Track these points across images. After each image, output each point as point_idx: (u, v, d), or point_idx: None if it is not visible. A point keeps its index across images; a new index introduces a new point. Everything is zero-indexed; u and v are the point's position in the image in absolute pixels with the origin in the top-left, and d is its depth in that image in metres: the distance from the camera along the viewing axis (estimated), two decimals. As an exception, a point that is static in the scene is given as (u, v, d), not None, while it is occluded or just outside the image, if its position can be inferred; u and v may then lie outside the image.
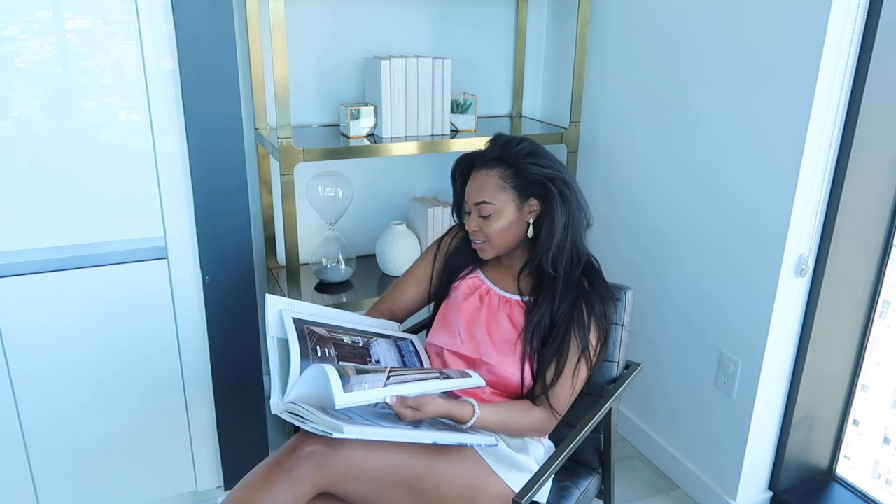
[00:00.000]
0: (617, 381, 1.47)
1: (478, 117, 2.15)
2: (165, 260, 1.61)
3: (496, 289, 1.43)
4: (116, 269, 1.57)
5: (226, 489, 1.89)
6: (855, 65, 1.51)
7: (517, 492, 1.23)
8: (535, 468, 1.32)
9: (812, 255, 1.66)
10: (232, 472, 1.86)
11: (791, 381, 1.79)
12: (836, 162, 1.59)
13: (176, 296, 1.64)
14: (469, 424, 1.24)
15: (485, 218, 1.36)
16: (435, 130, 2.01)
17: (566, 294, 1.35)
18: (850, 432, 1.92)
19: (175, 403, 1.74)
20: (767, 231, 1.65)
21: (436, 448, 1.24)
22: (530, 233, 1.37)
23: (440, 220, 2.15)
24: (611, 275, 1.48)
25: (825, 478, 1.95)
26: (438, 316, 1.49)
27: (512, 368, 1.35)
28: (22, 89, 1.40)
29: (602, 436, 1.49)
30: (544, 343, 1.34)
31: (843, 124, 1.55)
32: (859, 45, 1.49)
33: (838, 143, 1.57)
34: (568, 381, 1.32)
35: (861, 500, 1.86)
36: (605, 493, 1.54)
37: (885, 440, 2.52)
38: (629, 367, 1.52)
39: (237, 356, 1.75)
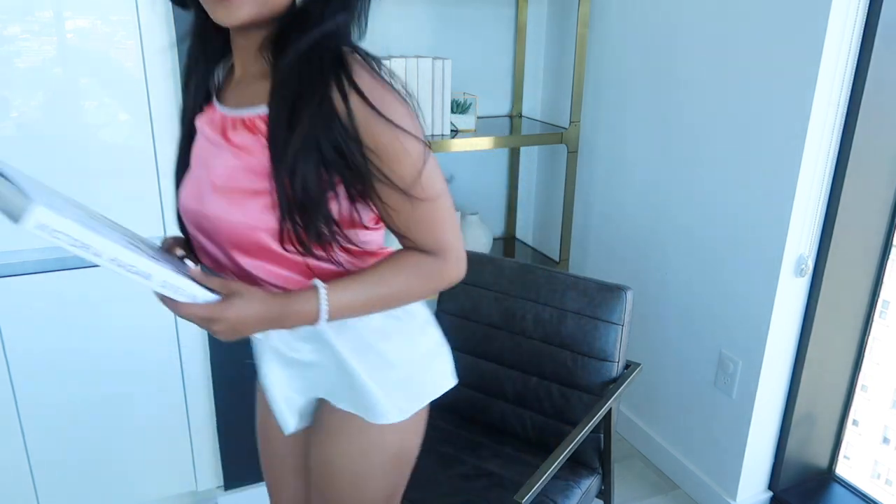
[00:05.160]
0: (617, 381, 1.47)
1: (478, 117, 2.15)
2: (165, 260, 1.61)
3: (223, 109, 0.91)
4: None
5: (226, 489, 1.89)
6: (855, 65, 1.51)
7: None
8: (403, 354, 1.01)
9: (812, 255, 1.66)
10: (232, 472, 1.86)
11: (791, 381, 1.79)
12: (836, 162, 1.59)
13: (176, 296, 1.64)
14: (323, 317, 0.87)
15: None
16: (435, 130, 2.01)
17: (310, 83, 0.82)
18: (850, 432, 1.92)
19: (175, 403, 1.74)
20: (767, 231, 1.65)
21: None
22: None
23: (440, 220, 2.14)
24: (611, 274, 1.48)
25: (825, 478, 1.95)
26: None
27: (248, 219, 0.86)
28: (22, 89, 1.40)
29: (602, 436, 1.49)
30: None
31: (843, 124, 1.55)
32: (859, 45, 1.49)
33: (838, 143, 1.57)
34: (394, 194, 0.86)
35: (861, 500, 1.86)
36: (605, 493, 1.54)
37: (885, 440, 2.52)
38: (629, 367, 1.52)
39: (237, 356, 1.75)
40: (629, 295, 1.48)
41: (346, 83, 0.81)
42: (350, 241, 0.91)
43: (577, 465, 1.51)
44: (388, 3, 2.13)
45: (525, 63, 2.37)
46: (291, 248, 0.87)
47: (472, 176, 2.42)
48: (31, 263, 1.50)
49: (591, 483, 1.48)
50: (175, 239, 1.02)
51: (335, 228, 0.87)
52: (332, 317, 0.88)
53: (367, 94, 0.81)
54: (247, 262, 0.90)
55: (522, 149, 2.46)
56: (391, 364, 1.00)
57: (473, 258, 1.69)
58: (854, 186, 1.59)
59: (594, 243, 2.28)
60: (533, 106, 2.45)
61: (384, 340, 0.99)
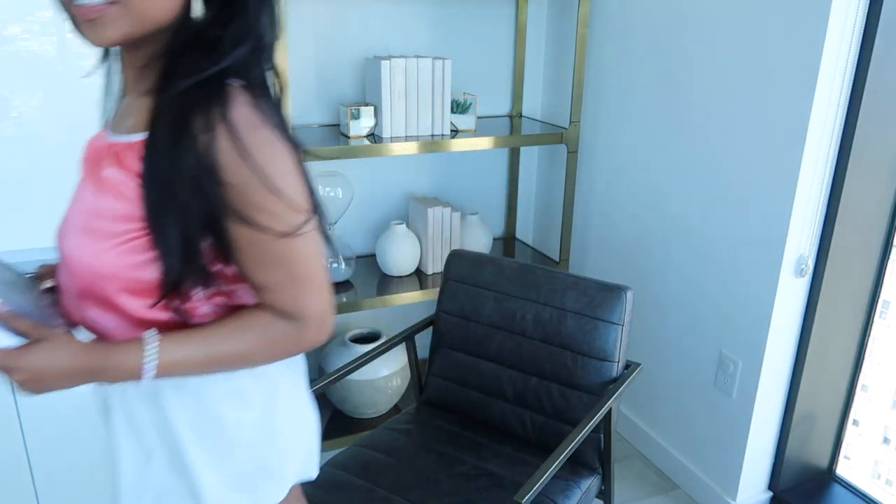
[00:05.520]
0: (617, 381, 1.47)
1: (478, 117, 2.15)
2: (165, 260, 1.61)
3: (108, 135, 0.82)
4: (116, 269, 1.57)
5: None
6: (855, 65, 1.51)
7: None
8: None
9: (812, 255, 1.66)
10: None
11: (791, 381, 1.79)
12: (836, 162, 1.59)
13: (176, 296, 1.64)
14: (148, 373, 0.76)
15: None
16: (435, 130, 2.01)
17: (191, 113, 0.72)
18: (850, 432, 1.92)
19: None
20: (767, 231, 1.65)
21: None
22: (198, 9, 0.76)
23: (440, 220, 2.14)
24: (611, 274, 1.48)
25: (825, 478, 1.95)
26: None
27: (99, 263, 0.76)
28: (22, 89, 1.40)
29: (602, 436, 1.49)
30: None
31: (843, 124, 1.55)
32: (859, 45, 1.49)
33: (838, 143, 1.57)
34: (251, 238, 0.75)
35: (861, 500, 1.86)
36: (605, 493, 1.54)
37: (885, 440, 2.52)
38: (629, 367, 1.52)
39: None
40: (629, 295, 1.48)
41: (213, 116, 0.70)
42: (230, 297, 0.81)
43: (577, 465, 1.51)
44: (388, 3, 2.13)
45: (525, 63, 2.37)
46: (149, 301, 0.76)
47: (472, 176, 2.42)
48: (31, 263, 1.50)
49: (591, 483, 1.48)
50: (52, 267, 0.92)
51: (210, 280, 0.77)
52: (161, 373, 0.76)
53: (239, 132, 0.70)
54: (96, 315, 0.79)
55: (522, 149, 2.46)
56: (231, 447, 0.83)
57: (473, 258, 1.70)
58: (854, 186, 1.59)
59: (594, 243, 2.28)
60: (533, 106, 2.45)
61: (236, 410, 0.83)
